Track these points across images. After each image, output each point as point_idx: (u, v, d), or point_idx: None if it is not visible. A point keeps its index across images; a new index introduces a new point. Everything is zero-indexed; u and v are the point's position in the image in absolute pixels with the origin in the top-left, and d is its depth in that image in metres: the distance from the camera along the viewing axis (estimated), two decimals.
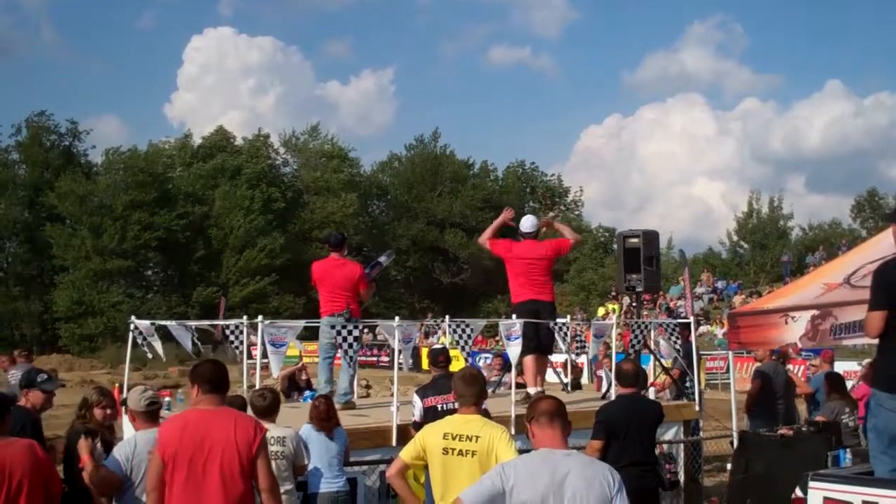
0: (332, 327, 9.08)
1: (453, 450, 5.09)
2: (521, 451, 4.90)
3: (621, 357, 10.32)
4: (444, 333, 9.52)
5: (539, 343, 9.81)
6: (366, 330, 11.03)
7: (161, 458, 4.77)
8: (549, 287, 10.22)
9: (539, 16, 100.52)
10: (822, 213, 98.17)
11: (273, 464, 6.45)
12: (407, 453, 5.27)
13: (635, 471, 6.77)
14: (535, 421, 4.22)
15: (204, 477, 4.70)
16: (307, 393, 11.52)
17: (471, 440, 5.09)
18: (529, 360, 9.92)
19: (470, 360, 10.23)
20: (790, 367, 12.86)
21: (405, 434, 7.65)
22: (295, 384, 11.52)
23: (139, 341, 8.80)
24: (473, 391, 5.34)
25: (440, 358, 8.00)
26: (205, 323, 9.52)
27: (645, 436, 7.27)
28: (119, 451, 5.39)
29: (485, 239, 10.42)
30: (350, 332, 8.89)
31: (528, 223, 10.27)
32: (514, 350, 9.39)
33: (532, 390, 9.76)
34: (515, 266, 10.09)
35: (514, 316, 9.32)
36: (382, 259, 11.47)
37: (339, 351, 9.05)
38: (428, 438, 5.22)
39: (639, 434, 7.12)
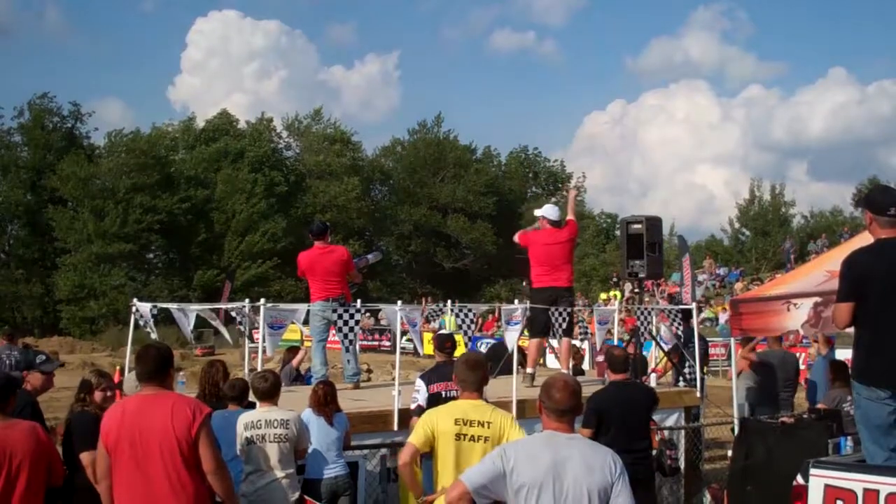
0: (334, 311, 9.09)
1: (465, 435, 5.13)
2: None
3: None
4: (450, 314, 9.53)
5: (548, 328, 9.90)
6: (367, 314, 11.15)
7: (104, 447, 4.78)
8: (567, 273, 10.40)
9: (543, 0, 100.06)
10: (824, 200, 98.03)
11: (276, 447, 6.48)
12: (417, 438, 5.25)
13: (627, 458, 6.73)
14: (545, 408, 4.21)
15: (145, 464, 4.69)
16: (309, 374, 11.49)
17: (483, 426, 5.14)
18: (533, 344, 10.05)
19: (471, 345, 10.25)
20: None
21: (407, 418, 7.66)
22: (298, 373, 11.51)
23: (141, 323, 8.81)
24: (477, 376, 5.37)
25: (447, 343, 7.99)
26: (206, 306, 9.49)
27: (637, 423, 7.25)
28: None
29: (517, 236, 10.69)
30: (352, 316, 8.94)
31: (552, 211, 10.42)
32: (512, 335, 9.43)
33: (531, 370, 10.07)
34: (536, 253, 10.24)
35: (523, 301, 9.38)
36: (370, 256, 12.11)
37: (339, 334, 9.06)
38: (438, 423, 5.22)
39: (630, 421, 7.10)
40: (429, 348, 12.36)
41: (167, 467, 4.68)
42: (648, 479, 7.40)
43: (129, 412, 4.80)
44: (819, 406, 9.06)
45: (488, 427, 5.11)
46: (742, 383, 10.40)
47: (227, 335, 10.10)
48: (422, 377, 7.77)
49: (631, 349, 11.16)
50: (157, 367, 4.90)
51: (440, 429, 5.19)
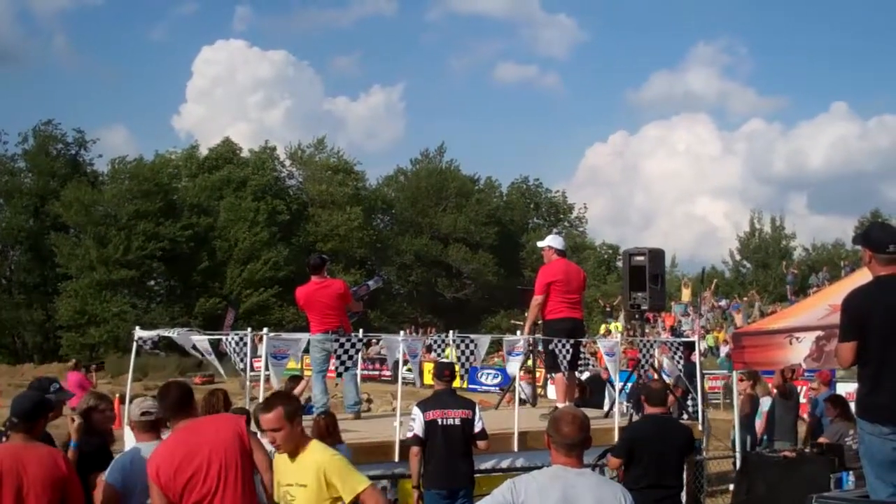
0: (336, 340, 9.07)
1: None
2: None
3: (625, 375, 10.28)
4: (449, 346, 9.47)
5: (573, 360, 9.85)
6: (370, 341, 11.13)
7: (157, 485, 4.75)
8: (581, 305, 10.44)
9: (546, 35, 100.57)
10: (825, 234, 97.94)
11: None
12: None
13: (655, 494, 6.69)
14: (553, 442, 4.16)
15: (217, 489, 4.70)
16: (309, 404, 11.48)
17: None
18: (561, 378, 9.92)
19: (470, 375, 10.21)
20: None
21: (408, 449, 7.64)
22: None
23: (146, 347, 8.84)
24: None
25: (446, 372, 7.96)
26: (208, 336, 9.48)
27: (670, 459, 7.07)
28: (116, 464, 5.36)
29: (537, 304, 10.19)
30: (353, 346, 8.93)
31: (559, 241, 10.40)
32: (513, 366, 9.39)
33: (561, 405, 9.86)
34: (556, 285, 10.04)
35: (522, 333, 9.33)
36: (370, 283, 12.04)
37: (336, 362, 9.02)
38: None
39: (662, 456, 6.95)
40: (428, 378, 12.43)
41: (237, 484, 4.71)
42: None
43: (182, 444, 4.78)
44: (821, 440, 9.05)
45: None
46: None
47: (220, 369, 9.97)
48: (418, 405, 7.76)
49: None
50: (182, 400, 5.01)
51: None
